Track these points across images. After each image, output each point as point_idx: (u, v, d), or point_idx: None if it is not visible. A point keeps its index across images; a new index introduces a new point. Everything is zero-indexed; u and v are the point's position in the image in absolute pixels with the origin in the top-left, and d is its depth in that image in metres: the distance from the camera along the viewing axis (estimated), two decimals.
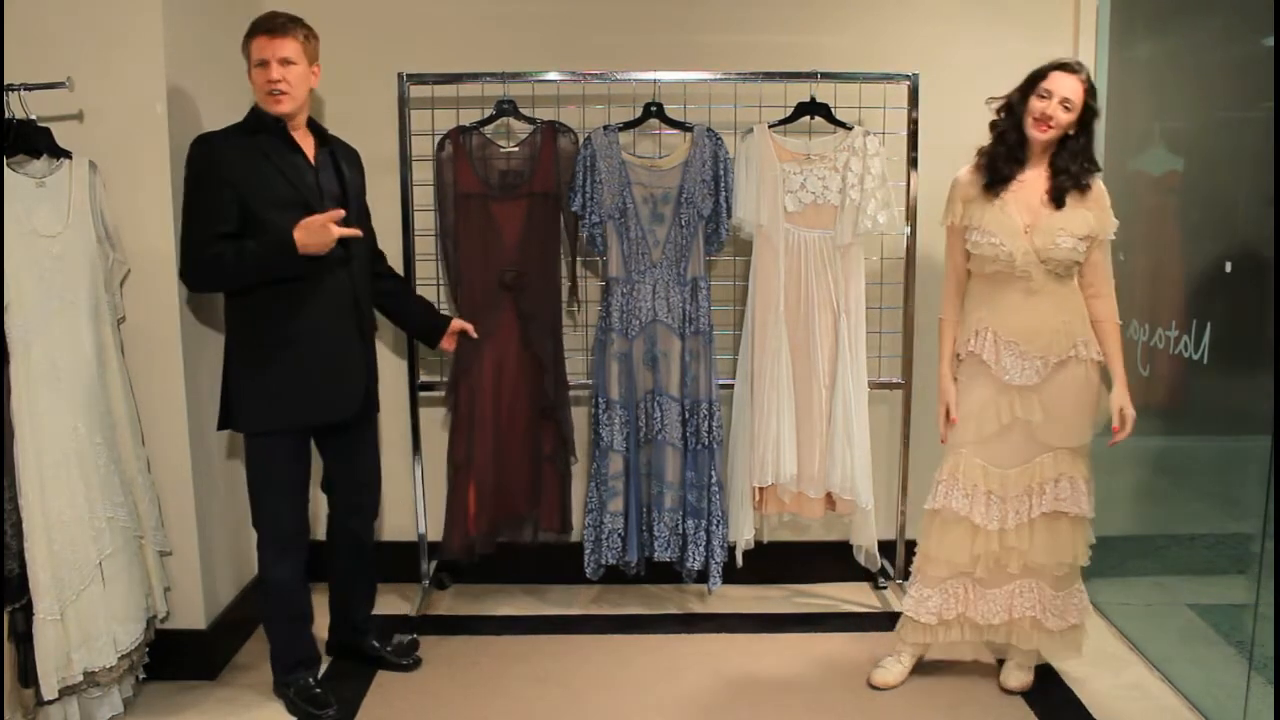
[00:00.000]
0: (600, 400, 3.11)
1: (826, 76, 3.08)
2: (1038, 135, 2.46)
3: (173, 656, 2.77)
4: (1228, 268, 2.66)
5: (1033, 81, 2.49)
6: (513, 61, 3.14)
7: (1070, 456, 2.58)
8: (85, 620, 2.44)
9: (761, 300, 3.09)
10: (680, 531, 3.15)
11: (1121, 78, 3.21)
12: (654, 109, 3.09)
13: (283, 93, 2.43)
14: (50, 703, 2.43)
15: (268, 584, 2.63)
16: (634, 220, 3.07)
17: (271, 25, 2.43)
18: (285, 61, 2.43)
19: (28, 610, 2.38)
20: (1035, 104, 2.46)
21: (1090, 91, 2.46)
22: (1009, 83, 2.59)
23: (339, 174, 2.59)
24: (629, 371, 3.10)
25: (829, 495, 3.17)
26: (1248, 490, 2.63)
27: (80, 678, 2.45)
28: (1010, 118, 2.53)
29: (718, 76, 3.13)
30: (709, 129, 3.07)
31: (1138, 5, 3.21)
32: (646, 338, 3.10)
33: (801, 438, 3.11)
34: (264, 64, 2.42)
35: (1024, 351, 2.53)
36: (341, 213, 2.42)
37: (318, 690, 2.65)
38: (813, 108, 3.08)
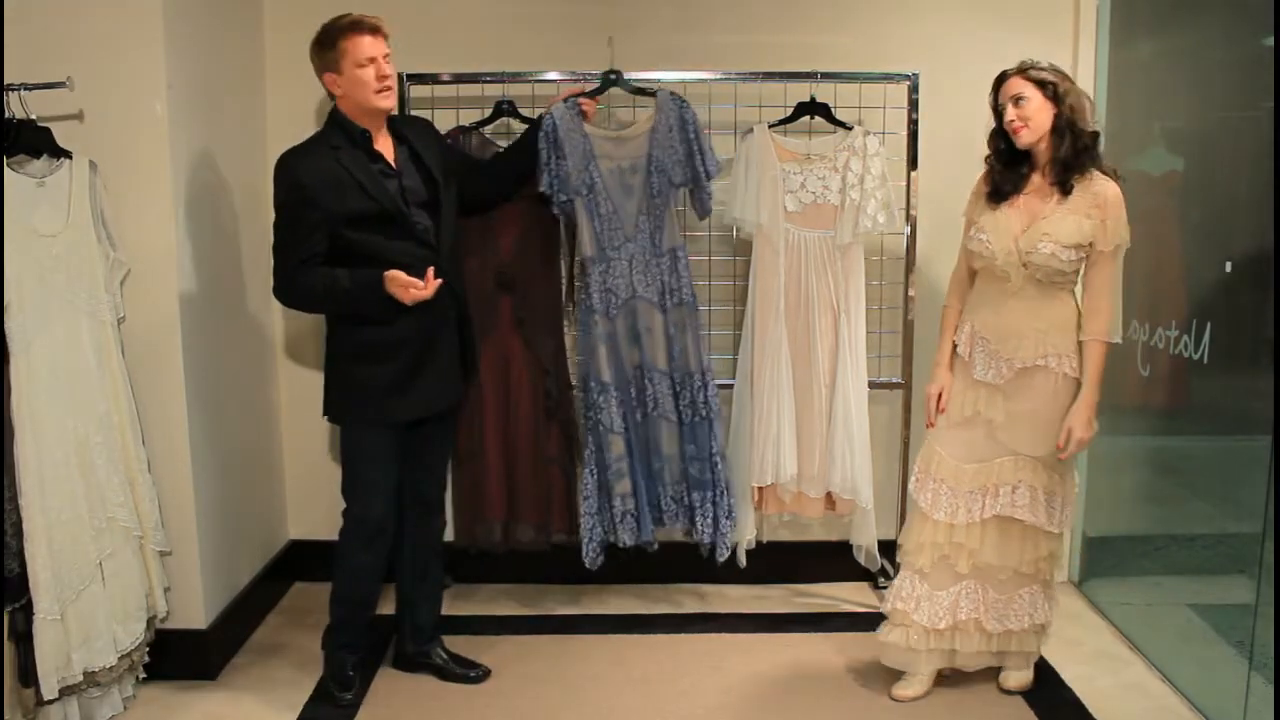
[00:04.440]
0: (593, 384, 3.04)
1: (826, 76, 3.08)
2: (1022, 140, 2.48)
3: (173, 656, 2.77)
4: (1228, 268, 2.66)
5: (994, 109, 2.52)
6: (513, 61, 3.14)
7: (1033, 465, 2.55)
8: (85, 620, 2.45)
9: (761, 300, 3.09)
10: (687, 503, 3.11)
11: (1121, 78, 3.21)
12: (613, 77, 3.01)
13: (390, 88, 2.48)
14: (50, 702, 2.43)
15: (346, 567, 2.69)
16: (603, 195, 2.97)
17: (373, 25, 2.45)
18: (387, 58, 2.48)
19: (28, 610, 2.38)
20: (1005, 123, 2.49)
21: (1033, 70, 2.45)
22: None
23: (421, 170, 2.57)
24: (615, 350, 3.04)
25: (829, 495, 3.17)
26: (1248, 490, 2.63)
27: (80, 677, 2.45)
28: (998, 140, 2.55)
29: (718, 76, 3.13)
30: (672, 93, 2.98)
31: (1138, 5, 3.21)
32: (627, 314, 3.03)
33: (801, 437, 3.11)
34: (373, 60, 2.44)
35: (993, 350, 2.55)
36: (420, 284, 2.41)
37: (350, 673, 2.75)
38: (813, 108, 3.08)
